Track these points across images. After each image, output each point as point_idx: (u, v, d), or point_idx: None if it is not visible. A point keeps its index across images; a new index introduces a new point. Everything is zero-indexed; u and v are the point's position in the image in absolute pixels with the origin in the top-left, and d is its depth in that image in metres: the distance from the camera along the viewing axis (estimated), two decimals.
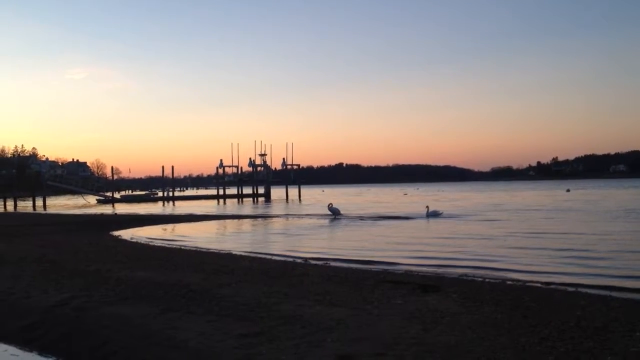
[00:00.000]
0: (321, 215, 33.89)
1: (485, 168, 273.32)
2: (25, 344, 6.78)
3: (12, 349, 6.66)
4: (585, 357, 5.05)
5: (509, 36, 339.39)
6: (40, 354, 6.44)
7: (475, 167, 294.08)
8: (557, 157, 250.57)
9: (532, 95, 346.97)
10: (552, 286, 9.69)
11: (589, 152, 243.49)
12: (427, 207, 31.61)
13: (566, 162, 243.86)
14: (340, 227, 26.08)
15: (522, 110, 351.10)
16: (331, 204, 34.61)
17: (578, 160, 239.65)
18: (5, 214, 47.60)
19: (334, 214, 32.78)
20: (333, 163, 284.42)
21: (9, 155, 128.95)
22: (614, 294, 8.89)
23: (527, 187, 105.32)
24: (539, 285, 9.81)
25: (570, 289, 9.43)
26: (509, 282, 10.14)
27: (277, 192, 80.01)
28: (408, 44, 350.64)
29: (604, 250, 14.95)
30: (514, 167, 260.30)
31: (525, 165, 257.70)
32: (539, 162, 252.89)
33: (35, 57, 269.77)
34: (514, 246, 16.57)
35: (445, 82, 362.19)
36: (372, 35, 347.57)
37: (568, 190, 73.87)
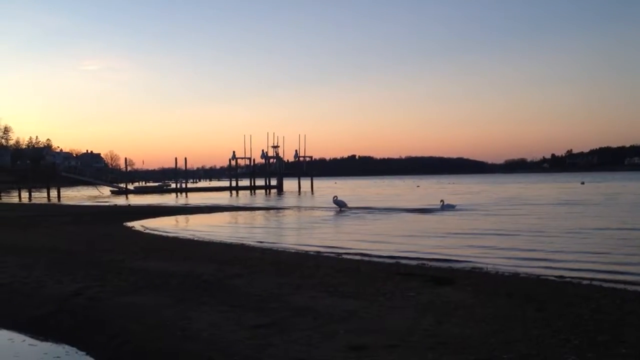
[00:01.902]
0: (333, 207, 33.81)
1: (499, 160, 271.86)
2: (40, 334, 6.85)
3: (29, 339, 6.73)
4: (599, 350, 5.00)
5: (523, 29, 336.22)
6: (56, 343, 6.50)
7: (489, 160, 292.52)
8: (571, 150, 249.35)
9: (546, 87, 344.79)
10: (566, 279, 9.61)
11: (603, 145, 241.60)
12: (442, 200, 31.52)
13: (581, 154, 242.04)
14: (351, 220, 26.02)
15: (536, 103, 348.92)
16: (336, 196, 34.16)
17: (593, 152, 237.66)
18: (20, 204, 48.15)
19: (340, 206, 32.44)
20: (345, 155, 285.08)
21: (24, 147, 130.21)
22: (629, 287, 8.80)
23: (542, 180, 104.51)
24: (552, 278, 9.72)
25: (584, 282, 9.35)
26: (522, 275, 10.08)
27: (289, 184, 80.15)
28: (423, 34, 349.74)
29: (619, 243, 14.81)
30: (528, 159, 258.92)
31: (539, 157, 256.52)
32: (553, 155, 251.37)
33: (49, 49, 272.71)
34: (528, 239, 16.46)
35: (459, 74, 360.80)
36: (385, 26, 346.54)
37: (583, 183, 73.24)
